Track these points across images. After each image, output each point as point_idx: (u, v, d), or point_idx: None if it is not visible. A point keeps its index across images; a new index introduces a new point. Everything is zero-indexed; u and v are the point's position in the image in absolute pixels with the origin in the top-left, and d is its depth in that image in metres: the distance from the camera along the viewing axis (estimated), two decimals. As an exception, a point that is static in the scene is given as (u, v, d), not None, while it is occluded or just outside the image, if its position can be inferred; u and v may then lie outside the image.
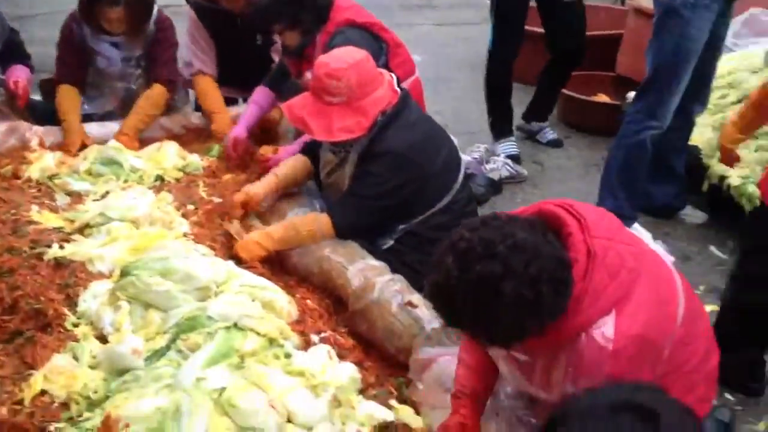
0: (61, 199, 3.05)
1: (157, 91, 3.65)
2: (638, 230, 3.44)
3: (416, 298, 2.30)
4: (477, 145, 4.31)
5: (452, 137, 2.98)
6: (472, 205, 2.89)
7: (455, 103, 5.24)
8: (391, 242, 2.72)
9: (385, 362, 2.31)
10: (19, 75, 3.59)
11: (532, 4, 4.25)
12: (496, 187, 4.09)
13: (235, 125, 3.51)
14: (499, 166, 4.16)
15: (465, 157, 3.12)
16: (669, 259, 3.03)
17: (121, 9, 3.42)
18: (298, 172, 3.00)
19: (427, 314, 2.23)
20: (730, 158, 2.93)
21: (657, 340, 1.64)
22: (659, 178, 3.71)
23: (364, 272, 2.46)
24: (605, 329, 1.58)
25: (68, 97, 3.58)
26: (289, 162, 3.02)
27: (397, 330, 2.25)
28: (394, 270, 2.51)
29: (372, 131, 2.62)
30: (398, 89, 2.70)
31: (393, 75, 2.75)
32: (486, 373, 1.89)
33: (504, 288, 1.49)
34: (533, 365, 1.71)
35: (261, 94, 3.56)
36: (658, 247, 3.28)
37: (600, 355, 1.58)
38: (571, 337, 1.61)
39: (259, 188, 2.91)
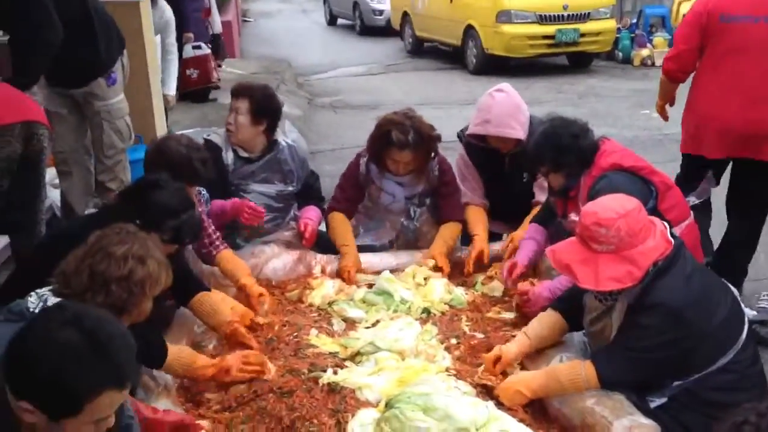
0: (338, 325, 3.27)
1: (455, 227, 3.88)
2: None
3: (691, 467, 2.10)
4: (765, 294, 3.91)
5: (733, 288, 2.77)
6: (757, 365, 2.62)
7: (739, 243, 4.83)
8: (665, 399, 2.53)
9: None
10: (311, 216, 3.93)
11: None
12: None
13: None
14: None
15: (749, 312, 2.86)
16: None
17: (409, 153, 3.68)
18: (550, 331, 2.92)
19: (705, 489, 2.02)
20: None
21: None
22: None
23: (632, 430, 2.31)
24: None
25: (344, 224, 3.85)
26: (543, 319, 2.95)
27: (671, 504, 2.06)
28: (666, 431, 2.33)
29: (643, 282, 2.52)
30: (672, 239, 2.59)
31: (666, 224, 2.65)
32: None
33: None
34: None
35: (535, 230, 3.61)
36: None
37: None
38: None
39: (513, 349, 2.88)
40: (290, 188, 4.07)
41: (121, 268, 2.10)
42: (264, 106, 3.91)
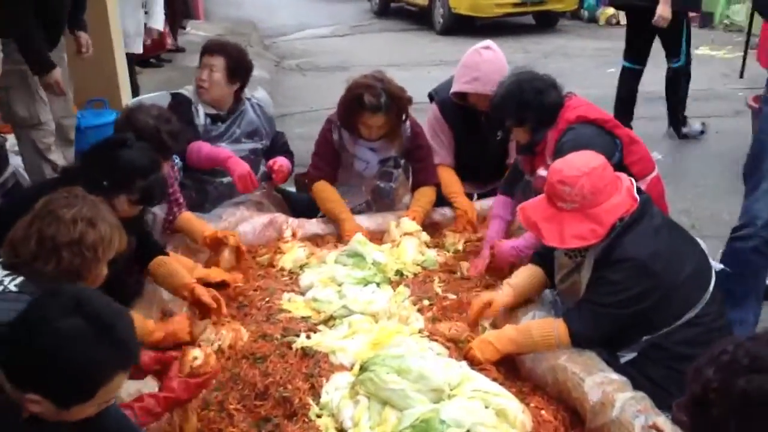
0: (310, 289, 3.24)
1: (430, 191, 3.84)
2: None
3: (662, 420, 2.12)
4: None
5: (700, 240, 2.80)
6: (724, 319, 2.67)
7: (704, 202, 4.92)
8: (634, 355, 2.57)
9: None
10: (279, 159, 3.91)
11: None
12: None
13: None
14: None
15: (717, 265, 2.90)
16: None
17: (381, 116, 3.61)
18: (534, 284, 2.94)
19: (674, 440, 2.06)
20: None
21: None
22: None
23: (603, 386, 2.34)
24: None
25: (332, 192, 3.77)
26: (524, 272, 2.96)
27: (641, 455, 2.09)
28: (636, 385, 2.36)
29: (609, 237, 2.54)
30: (638, 195, 2.61)
31: (633, 180, 2.67)
32: None
33: None
34: None
35: (500, 204, 3.59)
36: None
37: None
38: None
39: (502, 298, 2.87)
40: (259, 145, 4.01)
41: (71, 232, 2.00)
42: (239, 65, 3.88)
